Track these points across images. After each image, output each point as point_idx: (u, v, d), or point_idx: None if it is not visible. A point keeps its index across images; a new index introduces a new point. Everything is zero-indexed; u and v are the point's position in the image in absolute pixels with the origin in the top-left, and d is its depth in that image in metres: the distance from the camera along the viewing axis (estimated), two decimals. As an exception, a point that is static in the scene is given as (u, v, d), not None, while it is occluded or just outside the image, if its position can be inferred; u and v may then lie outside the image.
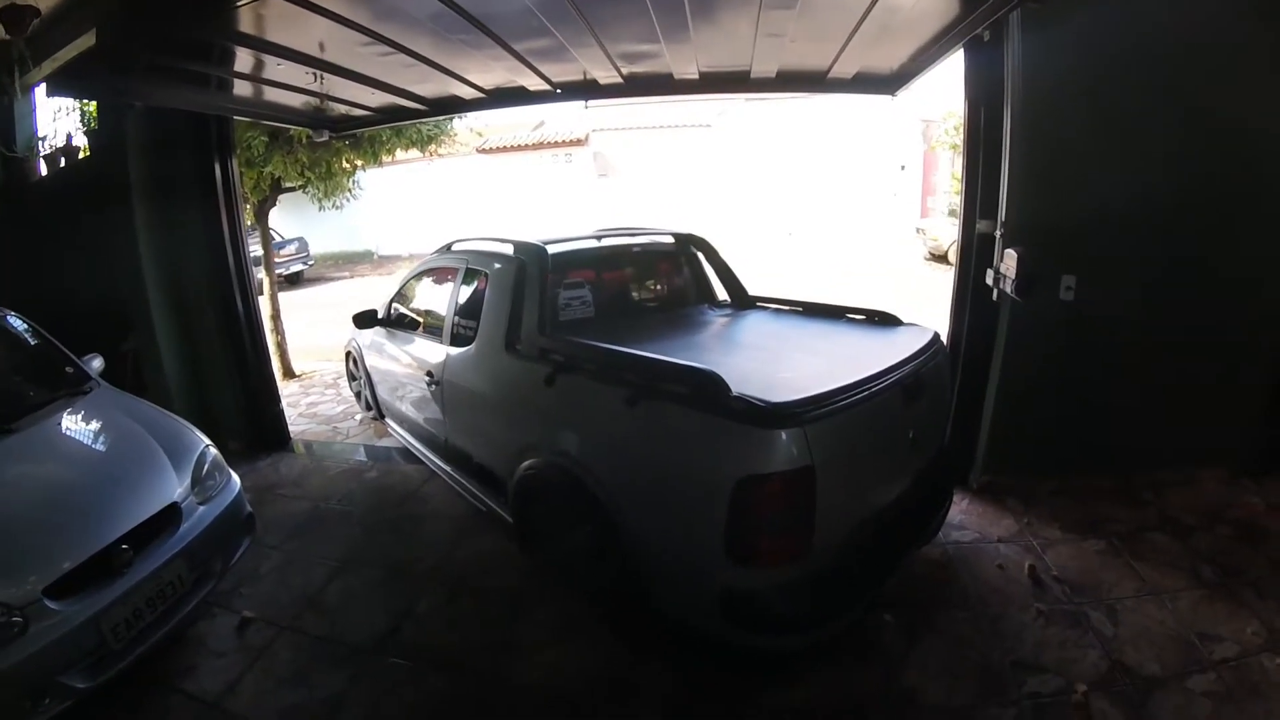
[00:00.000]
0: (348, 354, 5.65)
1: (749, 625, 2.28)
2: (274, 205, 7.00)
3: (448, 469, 3.86)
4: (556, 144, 18.94)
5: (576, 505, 2.70)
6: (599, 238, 4.01)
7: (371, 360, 4.93)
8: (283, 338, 6.88)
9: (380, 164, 6.93)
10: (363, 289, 14.20)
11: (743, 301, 4.11)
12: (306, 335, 8.54)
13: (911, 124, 18.20)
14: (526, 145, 18.86)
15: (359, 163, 6.78)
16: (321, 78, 3.53)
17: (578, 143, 18.85)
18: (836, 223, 17.88)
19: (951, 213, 15.57)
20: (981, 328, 3.84)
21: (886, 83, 4.33)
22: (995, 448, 3.92)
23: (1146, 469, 3.98)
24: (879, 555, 2.64)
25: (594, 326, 3.49)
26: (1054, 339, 3.69)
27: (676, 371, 2.40)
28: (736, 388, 2.17)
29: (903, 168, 19.03)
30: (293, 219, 13.26)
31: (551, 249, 3.39)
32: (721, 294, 4.30)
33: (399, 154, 7.30)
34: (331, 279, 16.23)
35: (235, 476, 3.06)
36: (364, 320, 4.64)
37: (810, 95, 4.60)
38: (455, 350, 3.59)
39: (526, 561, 3.26)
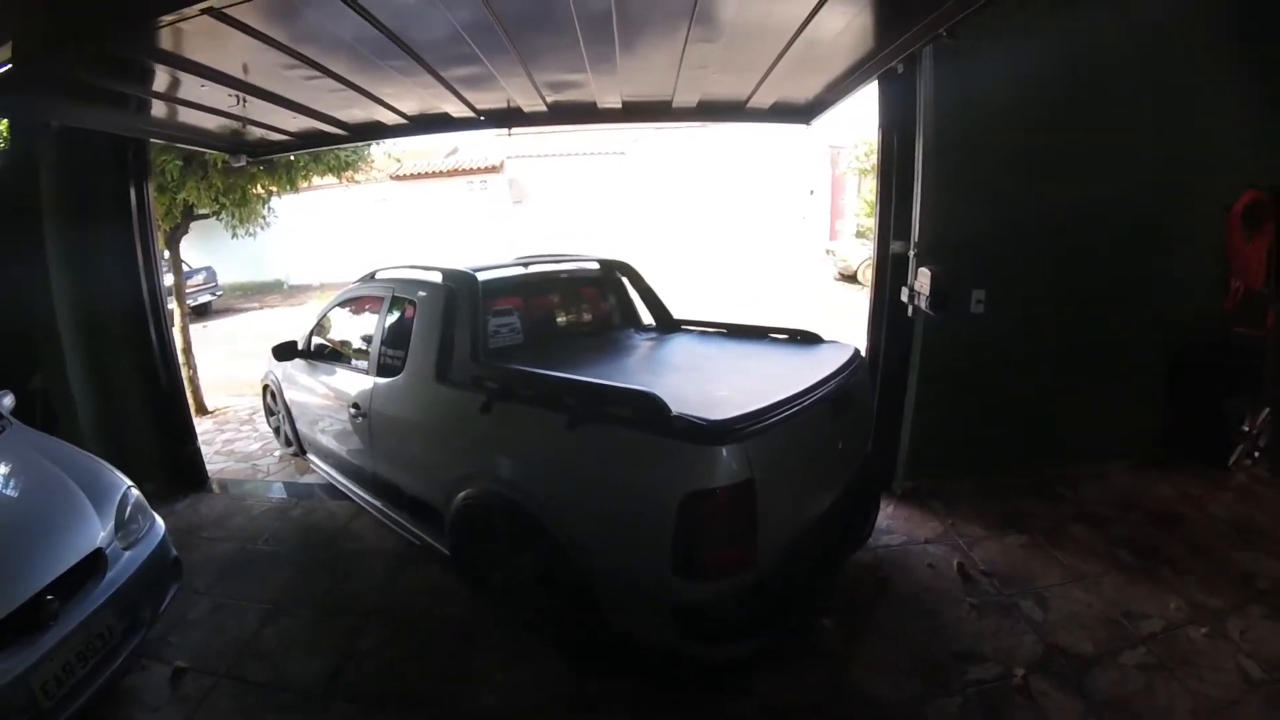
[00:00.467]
0: (265, 388, 5.42)
1: (702, 636, 2.33)
2: (186, 233, 6.69)
3: (377, 503, 3.77)
4: (471, 171, 18.84)
5: (519, 532, 2.71)
6: (526, 264, 4.03)
7: (291, 394, 4.75)
8: (195, 372, 6.54)
9: (297, 190, 6.71)
10: (274, 320, 13.64)
11: (668, 325, 4.22)
12: (218, 369, 8.16)
13: (820, 150, 18.97)
14: (441, 172, 18.68)
15: (273, 189, 6.56)
16: (245, 100, 3.44)
17: (493, 170, 18.81)
18: (750, 247, 18.43)
19: (859, 235, 16.44)
20: (898, 342, 4.09)
21: (802, 112, 4.59)
22: (916, 454, 4.15)
23: (1059, 465, 4.32)
24: (818, 561, 2.77)
25: (523, 353, 3.50)
26: (966, 349, 3.96)
27: (616, 394, 2.47)
28: (675, 408, 2.25)
29: (811, 192, 19.74)
30: (199, 248, 12.61)
31: (480, 276, 3.40)
32: (646, 318, 4.40)
33: (314, 180, 7.12)
34: (241, 310, 15.49)
35: (159, 519, 2.90)
36: (284, 352, 4.48)
37: (727, 124, 4.77)
38: (382, 381, 3.52)
39: (467, 592, 3.21)
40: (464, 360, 3.05)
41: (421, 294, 3.47)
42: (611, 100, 4.20)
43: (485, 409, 2.78)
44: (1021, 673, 2.68)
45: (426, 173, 18.43)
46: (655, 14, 2.81)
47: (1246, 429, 4.27)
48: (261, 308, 15.67)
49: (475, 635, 2.97)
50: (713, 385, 2.81)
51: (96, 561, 2.47)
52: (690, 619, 2.30)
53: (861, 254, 14.64)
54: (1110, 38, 3.78)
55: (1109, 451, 4.41)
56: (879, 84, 3.86)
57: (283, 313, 14.81)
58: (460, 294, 3.25)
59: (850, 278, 15.04)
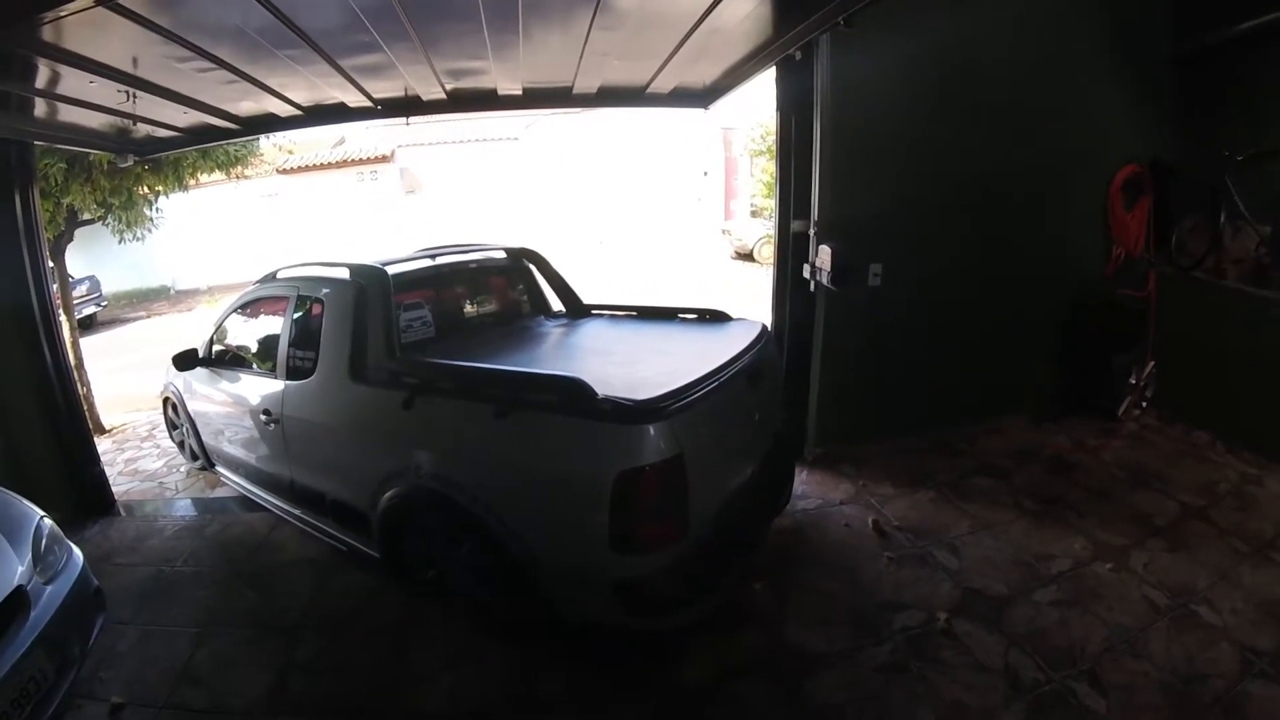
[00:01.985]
0: (165, 400, 5.16)
1: (644, 609, 2.46)
2: (71, 240, 6.27)
3: (297, 512, 3.71)
4: (361, 161, 18.38)
5: (451, 526, 2.75)
6: (433, 256, 4.02)
7: (195, 405, 4.56)
8: (88, 389, 6.15)
9: (185, 189, 6.41)
10: (163, 329, 12.94)
11: (578, 310, 4.31)
12: (110, 385, 7.70)
13: (713, 132, 19.47)
14: (329, 164, 18.11)
15: (160, 188, 6.24)
16: (134, 96, 3.28)
17: (383, 159, 18.41)
18: (646, 229, 18.72)
19: (754, 214, 17.10)
20: (802, 316, 4.31)
21: (701, 97, 4.76)
22: (824, 421, 4.39)
23: (960, 425, 4.67)
24: (745, 527, 2.95)
25: (436, 346, 3.52)
26: (866, 320, 4.22)
27: (542, 381, 2.56)
28: (599, 391, 2.35)
29: (706, 174, 20.22)
30: (80, 257, 11.77)
31: (389, 270, 3.38)
32: (555, 305, 4.47)
33: (200, 177, 6.81)
34: (127, 320, 14.55)
35: (76, 549, 2.76)
36: (184, 361, 4.29)
37: (626, 108, 4.91)
38: (293, 384, 3.45)
39: (400, 593, 3.21)
40: (379, 357, 3.04)
41: (329, 292, 3.41)
42: (512, 87, 4.23)
43: (407, 405, 2.78)
44: (944, 616, 2.92)
45: (314, 165, 17.84)
46: (560, 1, 2.87)
47: (1134, 382, 4.72)
48: (149, 316, 14.80)
49: (414, 636, 2.99)
50: (632, 367, 2.91)
51: (19, 601, 2.34)
52: (631, 593, 2.41)
53: (757, 233, 15.27)
54: (997, 24, 4.08)
55: (1007, 409, 4.80)
56: (777, 69, 4.04)
57: (172, 320, 14.07)
58: (370, 290, 3.22)
59: (746, 256, 15.63)
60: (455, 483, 2.64)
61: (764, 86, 4.44)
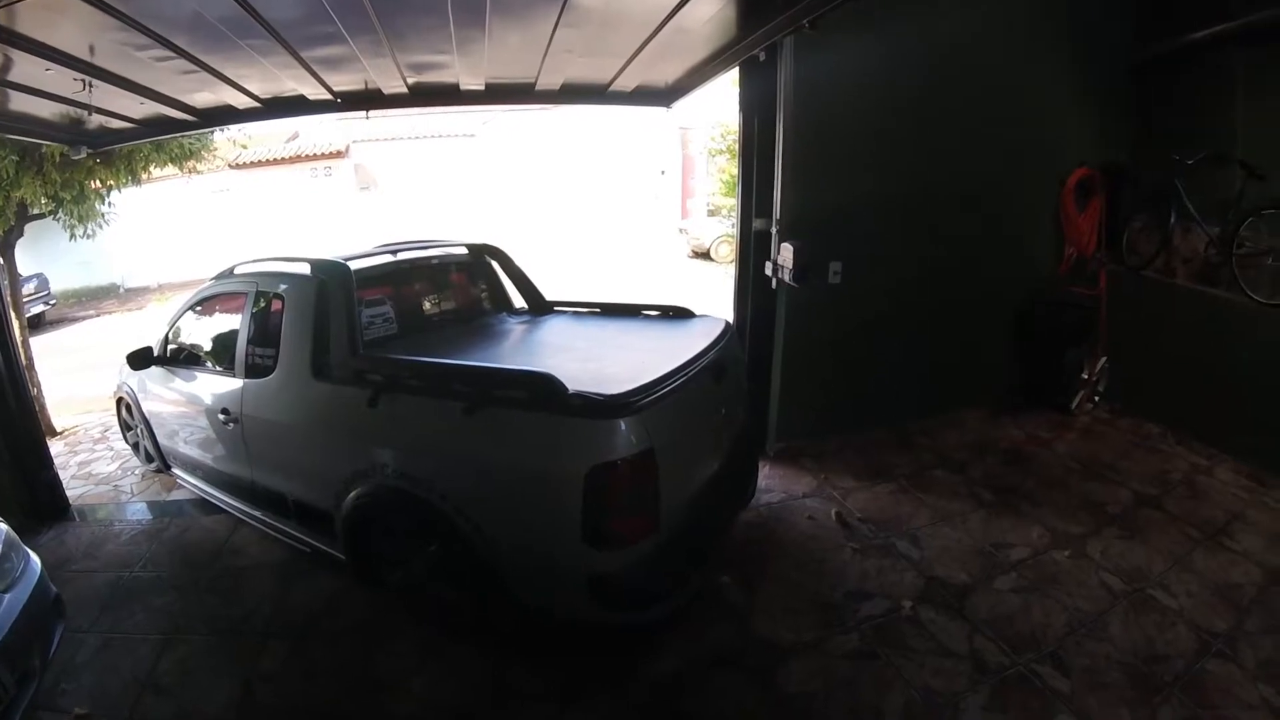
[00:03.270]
0: (119, 401, 4.98)
1: (617, 604, 2.46)
2: (21, 235, 6.02)
3: (258, 513, 3.62)
4: (315, 157, 17.99)
5: (420, 526, 2.72)
6: (394, 252, 3.97)
7: (150, 405, 4.42)
8: (39, 390, 5.92)
9: (139, 183, 6.20)
10: (114, 328, 12.53)
11: (540, 307, 4.29)
12: (60, 386, 7.43)
13: (671, 131, 19.59)
14: (283, 159, 17.66)
15: (112, 183, 6.03)
16: (90, 85, 3.17)
17: (338, 155, 18.07)
18: (602, 226, 18.72)
19: (710, 213, 17.19)
20: (763, 313, 4.36)
21: (664, 95, 4.78)
22: (785, 416, 4.45)
23: (918, 418, 4.78)
24: (713, 520, 2.99)
25: (399, 343, 3.48)
26: (826, 317, 4.29)
27: (511, 377, 2.56)
28: (569, 387, 2.35)
29: (663, 172, 20.35)
30: (26, 253, 11.32)
31: (350, 265, 3.33)
32: (517, 301, 4.43)
33: (152, 171, 6.59)
34: (76, 319, 14.02)
35: (34, 556, 2.66)
36: (138, 360, 4.15)
37: (588, 105, 4.91)
38: (253, 383, 3.37)
39: (367, 595, 3.16)
40: (342, 354, 2.98)
41: (289, 288, 3.33)
42: (475, 82, 4.21)
43: (372, 403, 2.74)
44: (909, 604, 3.00)
45: (267, 160, 17.35)
46: (529, -4, 2.85)
47: (1086, 376, 4.87)
48: (99, 314, 14.28)
49: (383, 639, 2.94)
50: (599, 363, 2.91)
51: None
52: (605, 588, 2.41)
53: (713, 232, 15.53)
54: (958, 28, 4.17)
55: (965, 403, 4.93)
56: (741, 69, 4.06)
57: (122, 319, 13.60)
58: (332, 285, 3.16)
59: (703, 254, 15.83)
60: (423, 481, 2.61)
61: (723, 87, 4.48)
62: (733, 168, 6.59)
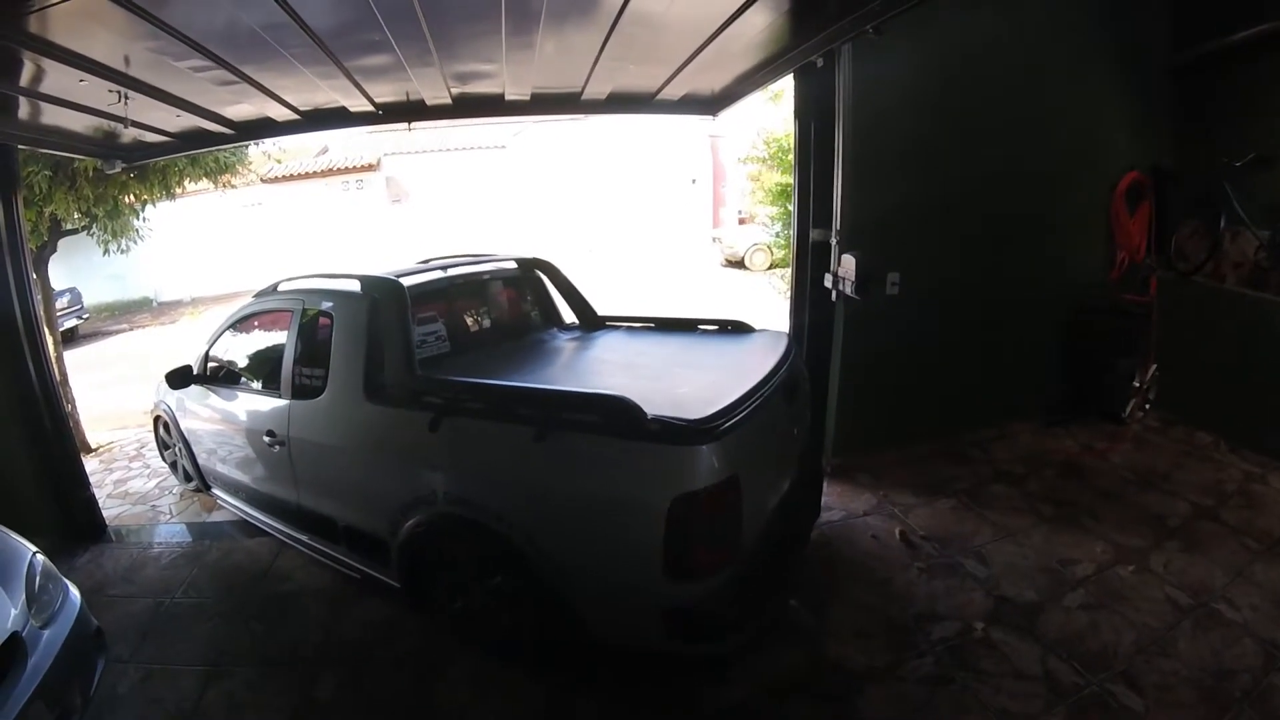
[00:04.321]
0: (156, 419, 4.78)
1: (693, 636, 2.26)
2: (54, 251, 5.83)
3: (304, 537, 3.40)
4: (347, 170, 17.74)
5: (486, 556, 2.51)
6: (443, 268, 3.76)
7: (189, 424, 4.22)
8: (73, 406, 5.72)
9: (173, 198, 6.01)
10: (146, 342, 12.33)
11: (592, 322, 4.05)
12: (95, 400, 7.22)
13: (701, 140, 19.27)
14: (315, 173, 17.44)
15: (146, 198, 5.84)
16: (126, 97, 2.97)
17: (369, 168, 17.80)
18: (634, 236, 18.43)
19: (741, 222, 16.84)
20: (820, 325, 4.13)
21: (711, 104, 4.58)
22: (842, 431, 4.22)
23: (971, 430, 4.55)
24: (788, 543, 2.78)
25: (453, 362, 3.26)
26: (883, 328, 4.05)
27: (583, 400, 2.33)
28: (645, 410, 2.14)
29: (694, 181, 19.99)
30: (59, 267, 11.17)
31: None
32: (568, 316, 4.21)
33: (186, 186, 6.41)
34: (109, 333, 13.83)
35: (72, 587, 2.46)
36: (178, 379, 3.95)
37: (632, 114, 4.72)
38: (300, 403, 3.16)
39: (419, 622, 2.95)
40: (398, 375, 2.76)
41: (338, 306, 3.13)
42: (520, 92, 4.02)
43: (433, 426, 2.53)
44: (981, 626, 2.82)
45: (299, 174, 17.16)
46: (587, 1, 2.66)
47: (1137, 384, 4.64)
48: (131, 329, 14.12)
49: (439, 669, 2.73)
50: (667, 383, 2.70)
51: (15, 648, 2.06)
52: (681, 620, 2.21)
53: (747, 240, 15.19)
54: (1009, 33, 3.97)
55: (1016, 413, 4.68)
56: (795, 76, 3.88)
57: (155, 333, 13.39)
58: (385, 303, 2.94)
59: (737, 263, 15.49)
60: (489, 510, 2.40)
61: (756, 95, 4.30)
62: (775, 175, 6.38)
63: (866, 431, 4.26)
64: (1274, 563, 3.16)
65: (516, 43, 3.00)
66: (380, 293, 3.00)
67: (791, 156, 5.21)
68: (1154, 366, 4.65)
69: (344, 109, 3.96)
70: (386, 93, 3.76)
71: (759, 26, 3.02)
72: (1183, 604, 2.90)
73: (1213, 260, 4.34)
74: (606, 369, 3.30)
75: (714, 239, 17.42)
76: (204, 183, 6.51)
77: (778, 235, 6.68)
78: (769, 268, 13.17)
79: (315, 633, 3.04)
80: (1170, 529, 3.48)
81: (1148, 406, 4.74)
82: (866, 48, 3.41)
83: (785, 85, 5.02)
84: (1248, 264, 4.19)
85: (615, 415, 2.17)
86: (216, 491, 4.22)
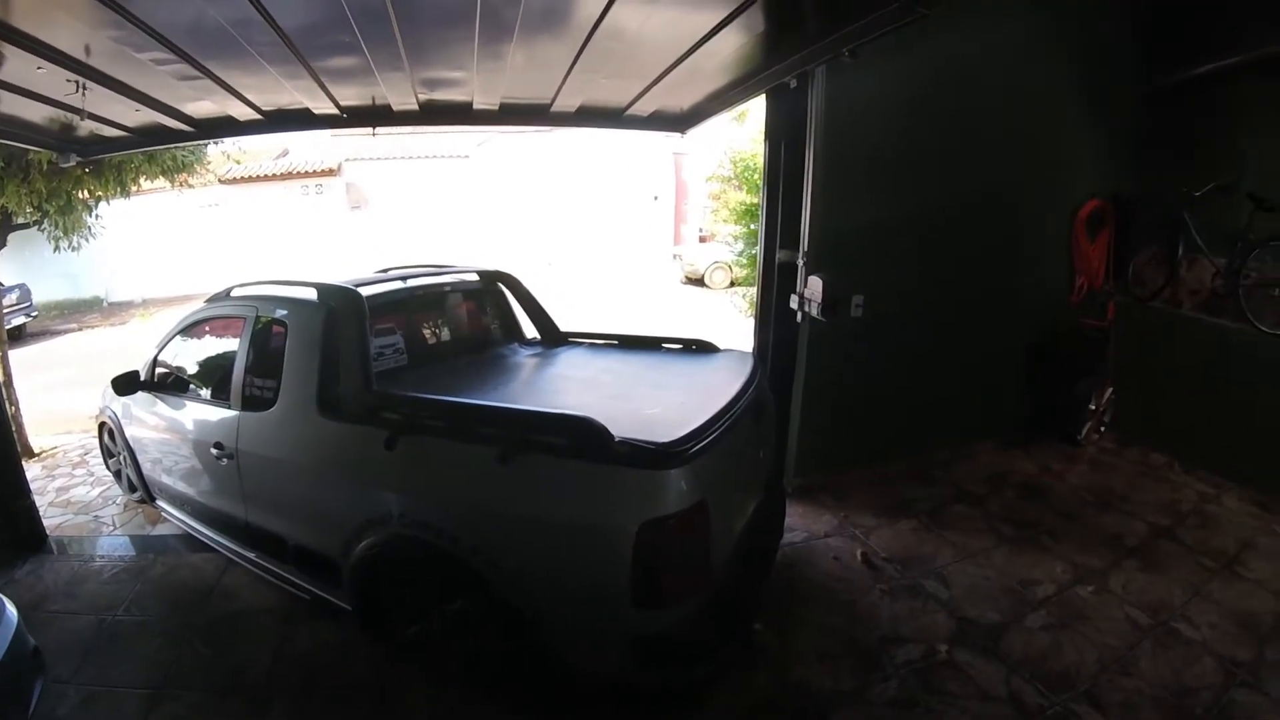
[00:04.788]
0: (101, 426, 4.53)
1: (662, 664, 2.17)
2: (3, 245, 5.55)
3: (252, 555, 3.22)
4: (306, 174, 17.12)
5: (444, 580, 2.39)
6: (403, 279, 3.61)
7: (134, 432, 3.99)
8: (16, 409, 5.39)
9: (128, 195, 5.75)
10: (97, 343, 11.81)
11: (554, 338, 3.94)
12: (39, 402, 6.82)
13: (664, 157, 19.17)
14: (274, 175, 16.82)
15: (100, 194, 5.58)
16: (85, 88, 2.81)
17: (329, 173, 17.22)
18: (595, 251, 18.22)
19: (702, 240, 16.92)
20: (784, 345, 4.11)
21: (681, 120, 4.54)
22: (804, 451, 4.19)
23: (932, 451, 4.56)
24: (755, 566, 2.72)
25: (411, 376, 3.13)
26: (847, 350, 4.06)
27: (548, 421, 2.22)
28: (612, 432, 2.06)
29: (656, 198, 19.81)
30: (8, 263, 10.61)
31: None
32: (529, 330, 4.10)
33: (142, 183, 6.15)
34: (58, 332, 13.19)
35: (9, 603, 2.28)
36: (124, 385, 3.74)
37: (601, 129, 4.65)
38: (250, 415, 3.00)
39: (374, 649, 2.80)
40: (353, 389, 2.62)
41: (293, 314, 2.98)
42: (489, 101, 3.92)
43: (390, 445, 2.40)
44: (945, 648, 2.82)
45: (258, 176, 16.54)
46: (561, 14, 2.59)
47: (1094, 407, 4.71)
48: (81, 329, 13.50)
49: (394, 697, 2.59)
50: (634, 403, 2.61)
51: None
52: (651, 648, 2.12)
53: (707, 258, 15.19)
54: (975, 61, 4.00)
55: (974, 435, 4.72)
56: (768, 96, 3.85)
57: (105, 334, 12.83)
58: (343, 313, 2.80)
59: (697, 281, 15.48)
60: (448, 533, 2.27)
61: (725, 113, 4.28)
62: (740, 194, 6.38)
63: (829, 452, 4.25)
64: (1231, 581, 3.24)
65: (489, 51, 2.91)
66: (337, 302, 2.86)
67: (759, 176, 5.21)
68: (1110, 389, 4.73)
69: (308, 110, 3.82)
70: (352, 96, 3.63)
71: (734, 45, 2.98)
72: (1142, 623, 2.95)
73: (1170, 286, 4.44)
74: (570, 387, 3.18)
75: (675, 256, 17.34)
76: (160, 181, 6.25)
77: (740, 254, 6.67)
78: (729, 286, 13.23)
79: (264, 656, 2.87)
80: (1128, 549, 3.54)
81: (1103, 428, 4.83)
82: (840, 70, 3.40)
83: (751, 105, 5.02)
84: (1204, 291, 4.30)
85: (582, 437, 2.08)
86: (161, 504, 3.99)
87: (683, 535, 2.04)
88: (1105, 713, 2.45)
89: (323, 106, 3.74)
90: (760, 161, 4.46)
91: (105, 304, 15.78)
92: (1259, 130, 4.04)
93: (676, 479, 2.02)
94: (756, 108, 4.69)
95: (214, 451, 3.13)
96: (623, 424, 2.12)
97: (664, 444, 2.04)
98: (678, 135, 4.74)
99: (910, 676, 2.66)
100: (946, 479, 4.35)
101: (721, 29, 2.69)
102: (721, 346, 3.44)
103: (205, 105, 3.54)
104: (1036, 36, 4.19)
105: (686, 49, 2.96)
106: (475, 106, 3.99)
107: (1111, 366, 4.71)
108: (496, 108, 4.04)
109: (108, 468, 4.74)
